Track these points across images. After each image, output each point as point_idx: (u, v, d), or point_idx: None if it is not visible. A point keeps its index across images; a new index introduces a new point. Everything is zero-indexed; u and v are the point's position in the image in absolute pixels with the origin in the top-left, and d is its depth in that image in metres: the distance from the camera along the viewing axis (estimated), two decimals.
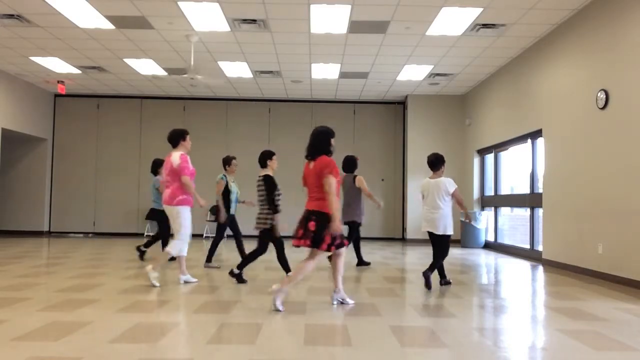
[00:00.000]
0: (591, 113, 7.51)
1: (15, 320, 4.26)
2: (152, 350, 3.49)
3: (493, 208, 12.19)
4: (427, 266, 8.56)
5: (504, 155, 11.84)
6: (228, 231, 7.88)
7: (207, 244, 11.72)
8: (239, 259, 7.90)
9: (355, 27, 8.71)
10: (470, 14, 8.05)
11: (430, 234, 6.39)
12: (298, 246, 4.88)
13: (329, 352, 3.53)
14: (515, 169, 11.20)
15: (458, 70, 11.28)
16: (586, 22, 7.70)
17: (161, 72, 11.81)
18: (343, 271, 5.24)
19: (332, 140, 5.10)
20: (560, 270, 8.17)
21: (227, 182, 7.57)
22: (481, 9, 7.84)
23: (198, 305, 5.00)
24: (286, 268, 6.37)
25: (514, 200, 11.13)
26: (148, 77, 12.30)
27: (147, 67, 11.39)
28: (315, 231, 4.78)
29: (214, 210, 7.77)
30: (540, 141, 9.41)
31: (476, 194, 12.75)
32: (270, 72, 11.67)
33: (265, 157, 6.48)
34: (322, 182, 4.83)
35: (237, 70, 11.50)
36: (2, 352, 3.39)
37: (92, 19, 8.53)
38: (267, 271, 7.53)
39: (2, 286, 5.87)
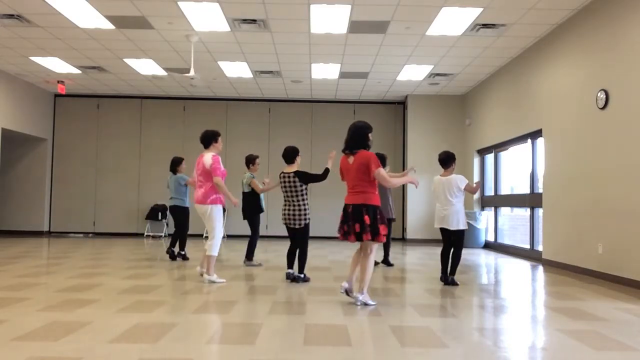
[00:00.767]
0: (591, 113, 7.51)
1: (15, 320, 4.26)
2: (152, 350, 3.49)
3: (493, 208, 12.19)
4: (428, 266, 8.57)
5: (504, 155, 11.84)
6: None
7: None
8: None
9: (355, 27, 8.70)
10: (470, 14, 8.05)
11: (444, 230, 6.51)
12: (354, 241, 5.08)
13: (329, 352, 3.53)
14: (515, 169, 11.20)
15: (458, 70, 11.28)
16: (586, 22, 7.70)
17: (161, 72, 11.81)
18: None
19: (370, 135, 5.22)
20: (560, 270, 8.17)
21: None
22: (481, 9, 7.84)
23: (198, 305, 5.00)
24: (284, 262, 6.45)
25: (514, 200, 11.13)
26: (148, 77, 12.30)
27: (147, 67, 11.39)
28: (371, 224, 4.95)
29: (247, 208, 8.06)
30: (540, 141, 9.40)
31: (476, 194, 12.75)
32: (270, 72, 11.67)
33: (293, 155, 6.59)
34: (365, 176, 5.02)
35: (237, 70, 11.49)
36: (2, 352, 3.39)
37: (92, 19, 8.53)
38: (267, 271, 7.52)
39: (2, 286, 5.87)
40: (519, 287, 6.53)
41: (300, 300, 5.37)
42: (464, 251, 11.27)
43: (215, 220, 6.32)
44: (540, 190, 9.27)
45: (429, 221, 13.45)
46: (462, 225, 6.42)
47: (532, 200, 9.80)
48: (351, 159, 5.13)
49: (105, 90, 13.96)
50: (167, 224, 14.06)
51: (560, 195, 8.38)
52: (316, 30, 8.86)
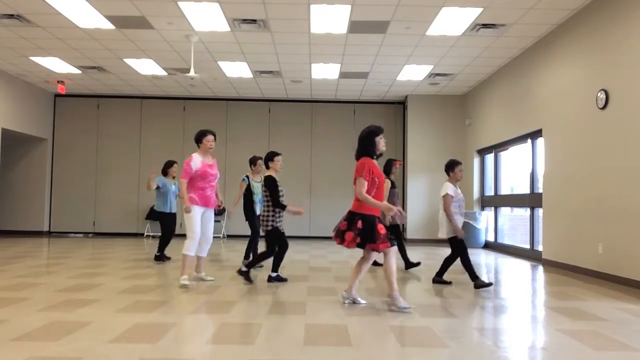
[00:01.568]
0: (591, 113, 7.51)
1: (15, 320, 4.26)
2: (152, 350, 3.49)
3: (493, 208, 12.19)
4: (428, 267, 8.57)
5: (504, 155, 11.84)
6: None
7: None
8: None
9: (355, 27, 8.70)
10: (470, 14, 8.05)
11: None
12: (336, 241, 4.96)
13: (329, 352, 3.53)
14: (515, 169, 11.20)
15: (458, 70, 11.28)
16: (586, 22, 7.70)
17: (161, 72, 11.81)
18: (362, 276, 5.26)
19: (378, 138, 5.04)
20: (560, 270, 8.17)
21: (249, 183, 7.75)
22: (481, 9, 7.84)
23: (198, 305, 5.00)
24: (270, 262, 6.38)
25: (514, 200, 11.13)
26: (148, 77, 12.30)
27: (147, 67, 11.39)
28: (363, 230, 4.83)
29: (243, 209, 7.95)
30: (540, 141, 9.40)
31: (476, 194, 12.75)
32: (270, 72, 11.67)
33: (267, 159, 6.59)
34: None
35: (237, 70, 11.49)
36: (2, 352, 3.39)
37: (92, 19, 8.53)
38: (267, 271, 7.52)
39: (2, 286, 5.87)
40: (519, 287, 6.52)
41: (300, 300, 5.37)
42: None
43: (189, 219, 6.19)
44: (540, 190, 9.27)
45: (429, 221, 13.46)
46: (444, 234, 6.35)
47: (532, 200, 9.80)
48: None
49: (105, 90, 13.96)
50: None
51: (560, 195, 8.38)
52: (316, 30, 8.86)
